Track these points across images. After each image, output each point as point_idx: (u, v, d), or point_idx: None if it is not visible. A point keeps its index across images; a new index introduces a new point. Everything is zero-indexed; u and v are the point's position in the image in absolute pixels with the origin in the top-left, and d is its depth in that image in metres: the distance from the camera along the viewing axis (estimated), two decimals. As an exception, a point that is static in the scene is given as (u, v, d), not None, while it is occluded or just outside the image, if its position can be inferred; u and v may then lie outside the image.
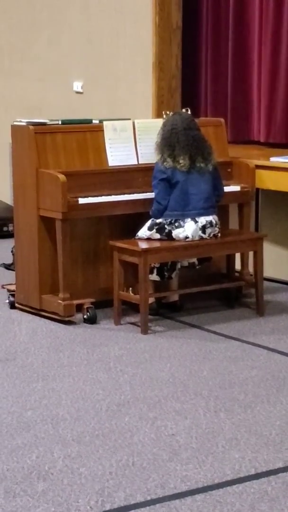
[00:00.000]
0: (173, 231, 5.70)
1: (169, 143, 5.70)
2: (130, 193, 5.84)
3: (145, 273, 5.53)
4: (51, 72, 8.48)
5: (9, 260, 7.05)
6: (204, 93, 7.70)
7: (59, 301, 5.66)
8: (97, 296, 5.85)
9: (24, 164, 5.79)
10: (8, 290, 6.11)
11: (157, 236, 5.73)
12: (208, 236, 5.73)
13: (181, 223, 5.69)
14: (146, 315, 5.56)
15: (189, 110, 5.94)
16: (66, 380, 4.70)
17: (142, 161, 5.99)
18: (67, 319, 5.68)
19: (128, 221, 5.89)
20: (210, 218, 5.73)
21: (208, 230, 5.72)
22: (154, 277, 5.80)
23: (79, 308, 5.73)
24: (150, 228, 5.74)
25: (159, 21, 7.37)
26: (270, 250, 6.65)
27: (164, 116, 5.90)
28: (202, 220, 5.70)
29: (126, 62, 7.70)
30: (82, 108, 7.95)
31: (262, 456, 3.78)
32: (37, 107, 8.39)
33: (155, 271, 5.80)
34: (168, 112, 5.93)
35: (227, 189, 6.10)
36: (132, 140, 6.01)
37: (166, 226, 5.71)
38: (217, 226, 5.77)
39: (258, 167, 6.30)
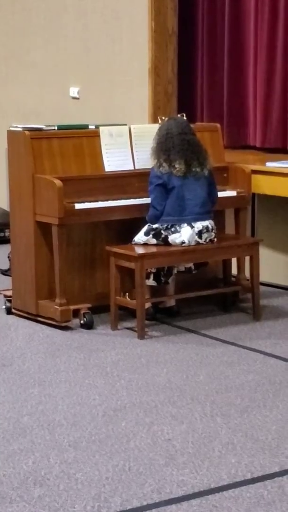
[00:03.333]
0: (169, 236, 5.70)
1: (164, 147, 5.71)
2: (126, 199, 5.85)
3: (141, 278, 5.54)
4: (47, 77, 8.49)
5: (5, 265, 7.05)
6: (200, 98, 7.72)
7: (56, 307, 5.67)
8: (93, 301, 5.85)
9: (20, 170, 5.80)
10: (5, 296, 6.11)
11: (154, 241, 5.73)
12: (204, 241, 5.73)
13: (178, 228, 5.69)
14: (143, 320, 5.56)
15: (184, 116, 5.95)
16: (63, 386, 4.70)
17: (138, 166, 6.00)
18: (63, 324, 5.68)
19: (124, 226, 5.90)
20: (206, 223, 5.74)
21: (205, 235, 5.73)
22: (151, 282, 5.80)
23: (76, 313, 5.73)
24: (146, 234, 5.75)
25: (155, 26, 7.38)
26: (266, 255, 6.65)
27: (160, 121, 5.92)
28: (198, 225, 5.71)
29: (122, 68, 7.71)
30: (78, 113, 7.96)
31: (258, 461, 3.79)
32: (33, 112, 8.40)
33: (151, 276, 5.80)
34: (163, 117, 5.94)
35: (223, 194, 6.12)
36: (128, 145, 6.02)
37: (162, 231, 5.71)
38: (214, 231, 5.78)
39: (254, 172, 6.31)
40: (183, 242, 5.68)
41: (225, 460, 3.80)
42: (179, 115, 6.02)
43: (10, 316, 5.99)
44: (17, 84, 8.84)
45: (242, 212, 6.30)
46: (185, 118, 5.92)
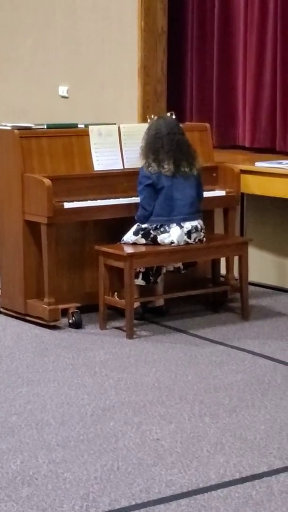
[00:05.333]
0: (158, 237, 5.70)
1: (153, 148, 5.71)
2: (115, 198, 5.84)
3: (130, 277, 5.54)
4: (36, 76, 8.47)
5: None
6: (189, 98, 7.72)
7: (44, 306, 5.66)
8: (82, 300, 5.85)
9: (9, 169, 5.79)
10: (-7, 295, 6.10)
11: (143, 241, 5.73)
12: (193, 241, 5.73)
13: (167, 228, 5.69)
14: (132, 320, 5.55)
15: (173, 114, 5.95)
16: (51, 385, 4.69)
17: (127, 165, 6.00)
18: (52, 323, 5.67)
19: (113, 226, 5.90)
20: (195, 223, 5.74)
21: (194, 235, 5.73)
22: (140, 281, 5.80)
23: (65, 312, 5.73)
24: (135, 233, 5.74)
25: (144, 26, 7.38)
26: (255, 255, 6.66)
27: (149, 120, 5.91)
28: (187, 225, 5.71)
29: (112, 67, 7.70)
30: (67, 112, 7.94)
31: (246, 461, 3.79)
32: (22, 111, 8.38)
33: (140, 275, 5.80)
34: (152, 116, 5.94)
35: (212, 193, 6.13)
36: (117, 144, 6.02)
37: (151, 231, 5.71)
38: (202, 230, 5.78)
39: (243, 171, 6.32)
40: (172, 242, 5.68)
41: (214, 460, 3.80)
42: (168, 114, 6.02)
43: (-1, 315, 5.99)
44: (6, 82, 8.82)
45: (231, 212, 6.30)
46: (174, 117, 5.92)
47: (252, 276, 6.33)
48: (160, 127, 5.76)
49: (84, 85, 7.99)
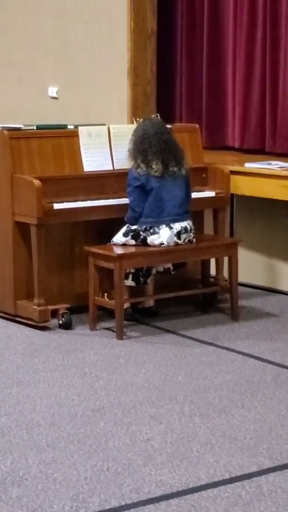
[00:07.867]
0: (148, 238, 5.70)
1: (141, 148, 5.71)
2: (105, 199, 5.85)
3: (120, 278, 5.54)
4: (26, 77, 8.47)
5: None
6: (179, 99, 7.73)
7: (34, 307, 5.65)
8: (72, 301, 5.85)
9: (-1, 170, 5.78)
10: (-17, 296, 6.09)
11: (132, 242, 5.73)
12: (183, 242, 5.74)
13: (156, 229, 5.70)
14: (121, 321, 5.56)
15: (158, 116, 5.96)
16: (41, 386, 4.69)
17: (117, 166, 6.00)
18: (42, 324, 5.67)
19: (103, 227, 5.90)
20: (185, 223, 5.74)
21: (183, 236, 5.73)
22: (130, 282, 5.80)
23: (54, 313, 5.72)
24: (125, 235, 5.74)
25: (134, 26, 7.38)
26: (244, 255, 6.67)
27: (135, 122, 5.92)
28: (177, 226, 5.71)
29: (101, 67, 7.70)
30: (57, 113, 7.94)
31: (236, 461, 3.80)
32: (12, 112, 8.37)
33: (130, 276, 5.80)
34: (138, 119, 5.95)
35: (202, 194, 6.14)
36: (107, 145, 6.02)
37: (141, 232, 5.71)
38: (192, 231, 5.79)
39: (233, 172, 6.33)
40: (161, 244, 5.68)
41: (204, 460, 3.81)
42: (153, 116, 6.02)
43: (-12, 316, 5.98)
44: (-5, 83, 8.82)
45: (220, 213, 6.31)
46: (159, 118, 5.92)
47: (242, 277, 6.33)
48: (147, 127, 5.76)
49: (73, 86, 7.99)
